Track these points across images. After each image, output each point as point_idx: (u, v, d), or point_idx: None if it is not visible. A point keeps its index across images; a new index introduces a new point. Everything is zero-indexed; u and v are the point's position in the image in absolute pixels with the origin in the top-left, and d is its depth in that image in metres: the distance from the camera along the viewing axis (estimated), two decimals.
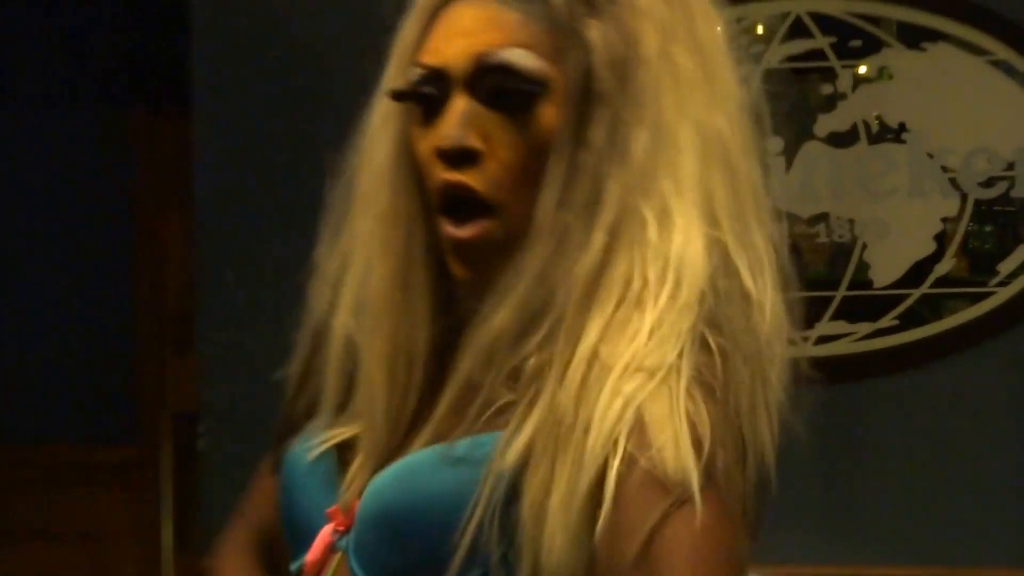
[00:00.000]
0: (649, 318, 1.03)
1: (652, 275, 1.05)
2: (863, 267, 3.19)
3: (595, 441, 0.98)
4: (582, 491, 0.97)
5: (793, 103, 3.29)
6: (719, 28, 1.18)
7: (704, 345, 1.00)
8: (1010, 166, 3.08)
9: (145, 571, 4.59)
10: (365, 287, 1.23)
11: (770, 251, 1.11)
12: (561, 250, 1.10)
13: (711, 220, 1.07)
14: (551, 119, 1.13)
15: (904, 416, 3.27)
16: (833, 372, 3.06)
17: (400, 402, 1.18)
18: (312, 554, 1.17)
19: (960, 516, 3.21)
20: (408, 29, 1.21)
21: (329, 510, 1.17)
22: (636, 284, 1.05)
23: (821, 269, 3.28)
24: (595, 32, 1.11)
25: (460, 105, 1.14)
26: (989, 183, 3.12)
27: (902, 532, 3.25)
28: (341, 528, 1.15)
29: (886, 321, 3.17)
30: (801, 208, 3.20)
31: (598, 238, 1.09)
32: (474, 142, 1.12)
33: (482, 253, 1.14)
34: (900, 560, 3.21)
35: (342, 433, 1.22)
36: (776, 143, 3.16)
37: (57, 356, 4.88)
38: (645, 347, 1.00)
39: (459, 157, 1.12)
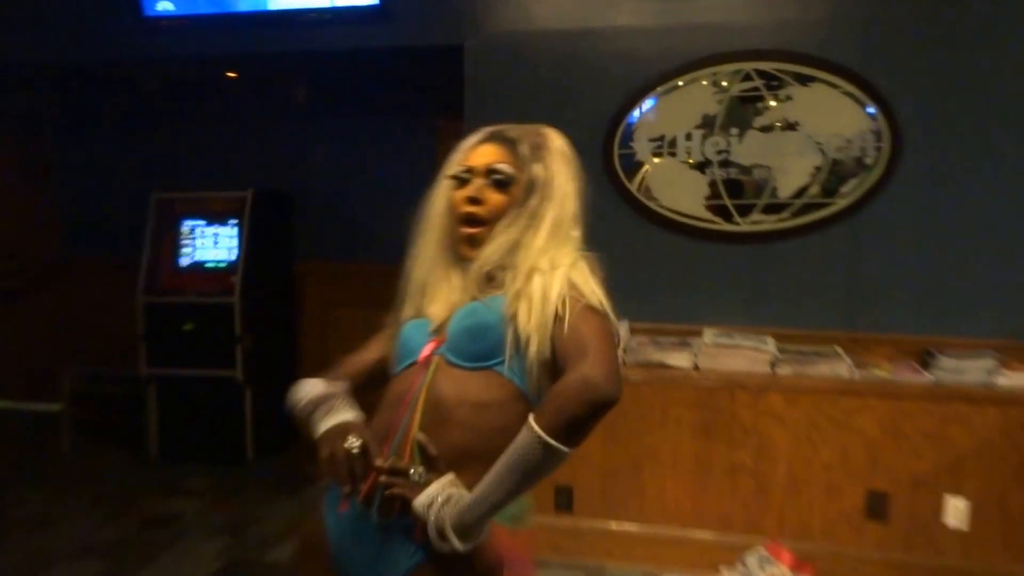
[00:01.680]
0: (564, 260, 1.49)
1: (560, 253, 1.52)
2: (774, 190, 3.89)
3: (555, 295, 1.43)
4: (548, 316, 1.42)
5: (746, 110, 3.90)
6: (578, 174, 1.60)
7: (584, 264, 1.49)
8: (849, 141, 3.80)
9: None
10: (426, 254, 1.61)
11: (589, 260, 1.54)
12: (518, 240, 1.52)
13: (575, 245, 1.54)
14: (514, 194, 1.54)
15: (793, 258, 3.95)
16: (759, 239, 3.97)
17: (449, 296, 1.58)
18: (423, 354, 1.52)
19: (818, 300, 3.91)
20: (461, 150, 1.62)
21: (432, 336, 1.54)
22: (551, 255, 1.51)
23: (750, 193, 3.92)
24: (535, 167, 1.55)
25: (478, 182, 1.56)
26: (839, 150, 3.82)
27: (794, 312, 3.95)
28: (436, 345, 1.53)
29: (786, 214, 3.90)
30: (745, 161, 3.90)
31: (540, 238, 1.52)
32: (480, 196, 1.55)
33: (475, 242, 1.55)
34: (793, 324, 3.95)
35: (423, 315, 1.60)
36: (735, 130, 3.89)
37: None
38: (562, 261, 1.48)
39: (474, 201, 1.54)
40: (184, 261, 5.32)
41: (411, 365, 1.54)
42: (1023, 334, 3.70)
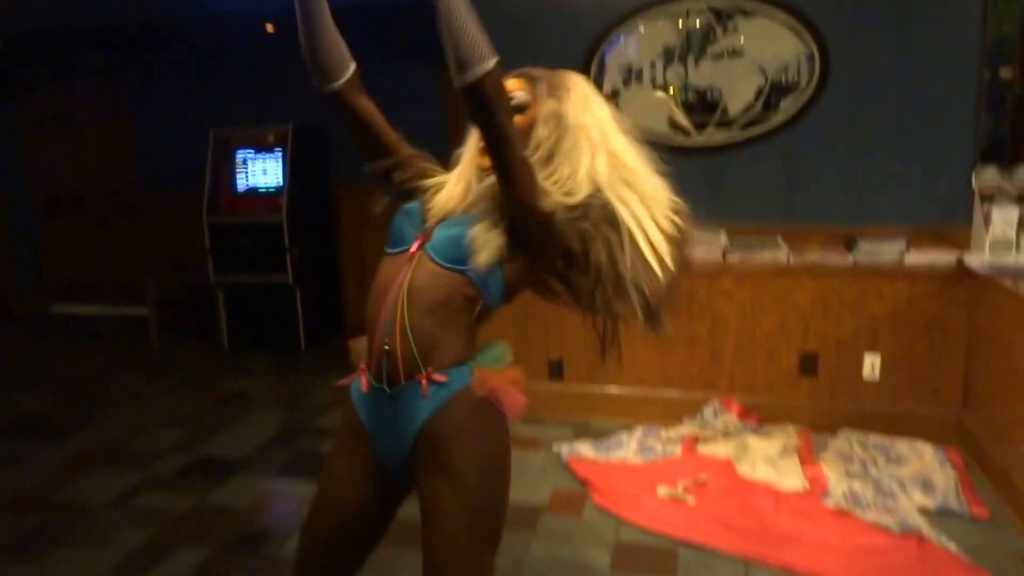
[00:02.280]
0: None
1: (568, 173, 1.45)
2: (725, 108, 4.01)
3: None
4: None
5: (701, 41, 4.00)
6: (602, 104, 1.52)
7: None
8: (786, 65, 3.89)
9: None
10: (462, 160, 1.59)
11: (649, 180, 1.52)
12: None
13: (595, 165, 1.44)
14: (528, 119, 1.50)
15: (741, 165, 4.00)
16: (713, 150, 4.08)
17: (456, 198, 1.55)
18: (413, 248, 1.49)
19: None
20: None
21: (421, 233, 1.51)
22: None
23: (704, 109, 4.03)
24: (550, 102, 1.50)
25: None
26: (778, 72, 3.92)
27: (742, 209, 4.01)
28: (422, 242, 1.49)
29: (735, 128, 4.01)
30: (699, 84, 4.01)
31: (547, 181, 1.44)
32: None
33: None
34: (741, 220, 4.00)
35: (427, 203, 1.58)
36: (692, 58, 4.00)
37: None
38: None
39: None
40: (240, 187, 5.56)
41: (399, 255, 1.51)
42: (927, 220, 3.83)
